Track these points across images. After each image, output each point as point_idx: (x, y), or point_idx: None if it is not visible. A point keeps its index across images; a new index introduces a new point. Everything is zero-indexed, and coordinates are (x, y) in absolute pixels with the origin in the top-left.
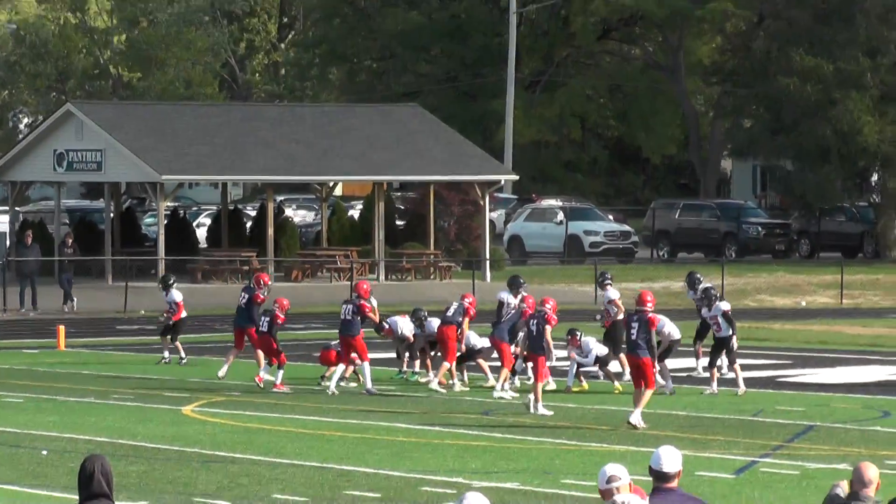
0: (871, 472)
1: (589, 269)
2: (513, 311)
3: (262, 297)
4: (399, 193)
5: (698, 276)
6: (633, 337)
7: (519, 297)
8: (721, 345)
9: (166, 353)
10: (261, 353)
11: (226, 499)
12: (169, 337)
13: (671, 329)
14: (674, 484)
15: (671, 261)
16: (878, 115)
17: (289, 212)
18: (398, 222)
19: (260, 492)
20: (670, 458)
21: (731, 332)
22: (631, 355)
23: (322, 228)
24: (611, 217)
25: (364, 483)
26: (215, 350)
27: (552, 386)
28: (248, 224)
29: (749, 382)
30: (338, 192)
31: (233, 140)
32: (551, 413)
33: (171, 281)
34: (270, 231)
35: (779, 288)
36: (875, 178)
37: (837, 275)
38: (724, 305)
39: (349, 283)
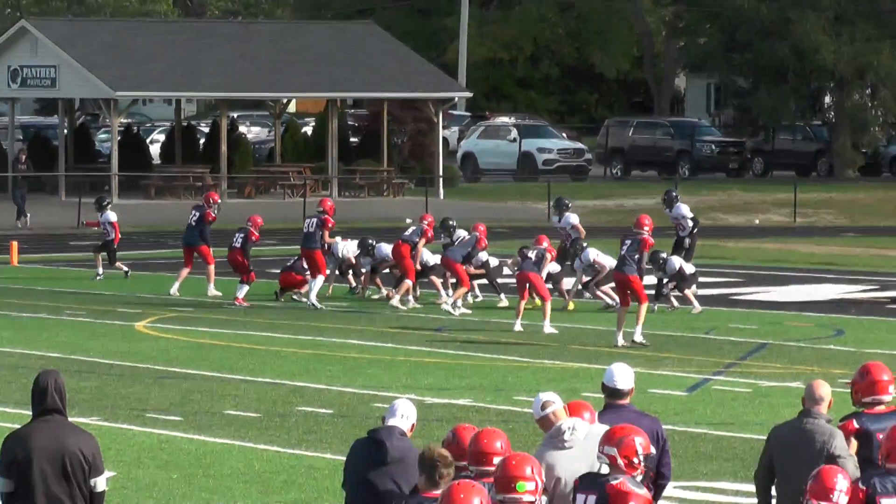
0: (823, 389)
1: (542, 186)
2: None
3: (212, 215)
4: (353, 110)
5: (675, 193)
6: (623, 253)
7: (562, 217)
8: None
9: (100, 270)
10: (212, 269)
11: (178, 414)
12: (102, 254)
13: (605, 259)
14: (626, 401)
15: (625, 179)
16: (833, 35)
17: (242, 128)
18: (352, 139)
19: (212, 407)
20: (623, 375)
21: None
22: (618, 273)
23: (276, 145)
24: (564, 135)
25: (316, 399)
26: (168, 266)
27: (504, 303)
28: (202, 141)
29: (702, 300)
30: (291, 108)
31: (187, 57)
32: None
33: (106, 202)
34: (224, 148)
35: (732, 206)
36: (829, 97)
37: (791, 193)
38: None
39: (302, 199)
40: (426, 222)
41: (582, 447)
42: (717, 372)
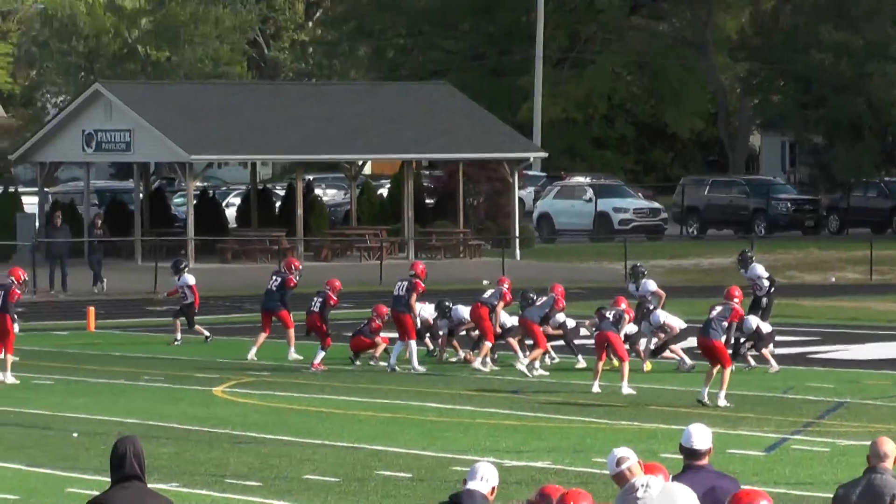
0: (888, 446)
1: (619, 246)
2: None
3: (294, 281)
4: (428, 172)
5: (750, 254)
6: (711, 317)
7: (640, 286)
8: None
9: (178, 335)
10: (292, 333)
11: (257, 479)
12: (181, 319)
13: (674, 321)
14: (705, 461)
15: (700, 237)
16: None
17: (318, 191)
18: (427, 201)
19: (291, 472)
20: (701, 436)
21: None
22: (703, 337)
23: (351, 207)
24: (640, 194)
25: (395, 463)
26: (245, 331)
27: (582, 364)
28: (278, 203)
29: (779, 359)
30: (367, 170)
31: (261, 119)
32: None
33: (183, 265)
34: (300, 210)
35: (808, 264)
36: None
37: (867, 250)
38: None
39: (379, 262)
40: (505, 286)
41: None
42: (796, 431)
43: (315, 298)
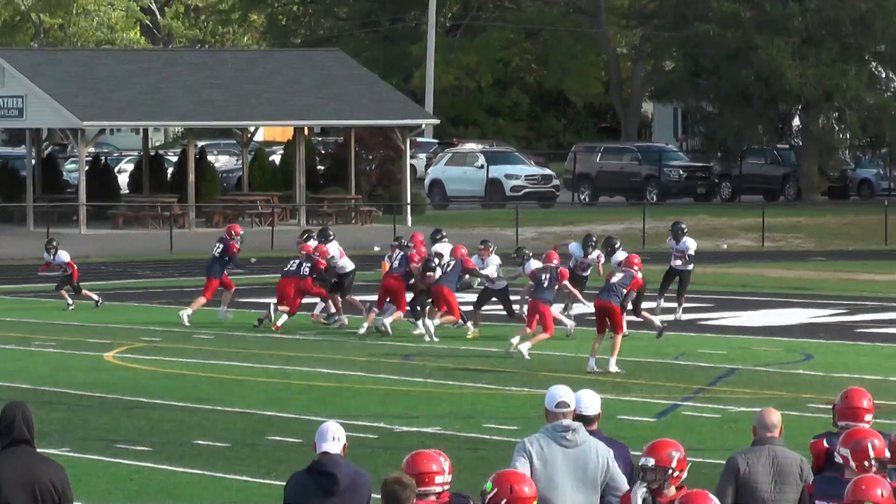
0: (776, 416)
1: (510, 213)
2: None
3: (236, 246)
4: (320, 138)
5: (683, 226)
6: (613, 283)
7: (592, 252)
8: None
9: (70, 301)
10: (229, 295)
11: (148, 445)
12: (66, 287)
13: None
14: (594, 427)
15: (592, 204)
16: (799, 58)
17: (210, 157)
18: (319, 167)
19: (182, 438)
20: (590, 402)
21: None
22: (603, 301)
23: (243, 174)
24: (532, 161)
25: (286, 428)
26: (136, 296)
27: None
28: (170, 170)
29: (670, 326)
30: (259, 137)
31: (154, 86)
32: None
33: (55, 244)
34: (192, 177)
35: (700, 231)
36: (796, 121)
37: (759, 218)
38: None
39: (270, 228)
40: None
41: (580, 450)
42: (686, 398)
43: (303, 264)
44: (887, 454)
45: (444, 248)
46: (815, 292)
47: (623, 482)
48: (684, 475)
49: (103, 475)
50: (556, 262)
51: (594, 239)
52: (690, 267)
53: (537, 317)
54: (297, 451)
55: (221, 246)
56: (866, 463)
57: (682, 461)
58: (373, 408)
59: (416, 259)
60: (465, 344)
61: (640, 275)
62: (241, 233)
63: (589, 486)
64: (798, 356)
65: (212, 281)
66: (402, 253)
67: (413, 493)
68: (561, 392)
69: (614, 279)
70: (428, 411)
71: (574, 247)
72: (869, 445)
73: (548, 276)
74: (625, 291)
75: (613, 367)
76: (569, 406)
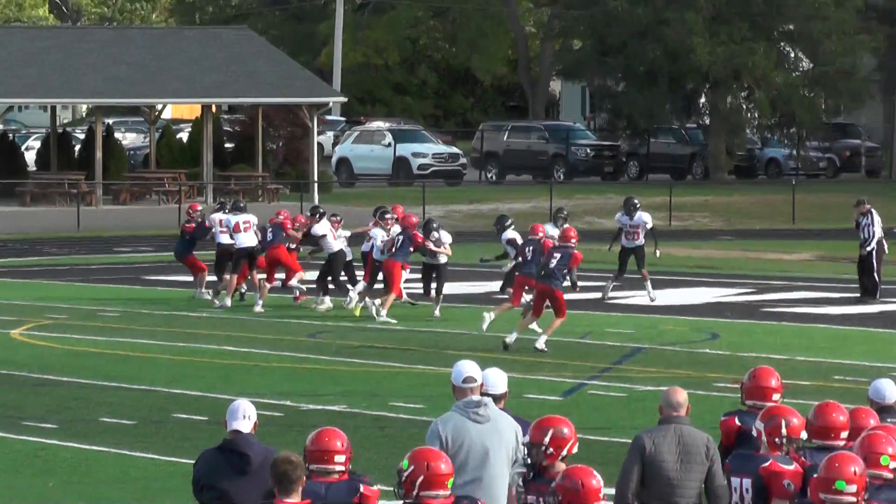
0: (682, 395)
1: (417, 191)
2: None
3: (192, 225)
4: (228, 116)
5: (636, 201)
6: (552, 266)
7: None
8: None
9: None
10: (203, 276)
11: (54, 422)
12: None
13: None
14: (501, 405)
15: (499, 183)
16: (708, 35)
17: (118, 135)
18: (227, 145)
19: (88, 415)
20: (496, 380)
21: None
22: (544, 284)
23: (151, 151)
24: (439, 139)
25: (192, 406)
26: (43, 273)
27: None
28: (77, 147)
29: (577, 304)
30: (167, 114)
31: (62, 63)
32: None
33: None
34: (99, 154)
35: (608, 210)
36: (704, 99)
37: (666, 196)
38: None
39: (177, 205)
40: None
41: (492, 425)
42: (593, 376)
43: (268, 230)
44: (803, 435)
45: (323, 226)
46: (722, 271)
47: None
48: (564, 452)
49: (9, 452)
50: (540, 234)
51: (565, 212)
52: (641, 242)
53: (525, 295)
54: (204, 428)
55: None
56: (777, 439)
57: (560, 438)
58: (279, 386)
59: (419, 239)
60: (371, 322)
61: (579, 251)
62: (198, 209)
63: (503, 460)
64: (704, 335)
65: (186, 260)
66: (402, 236)
67: (303, 471)
68: (467, 367)
69: (554, 262)
70: (334, 389)
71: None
72: (783, 422)
73: (531, 248)
74: (565, 272)
75: (542, 345)
76: (476, 381)
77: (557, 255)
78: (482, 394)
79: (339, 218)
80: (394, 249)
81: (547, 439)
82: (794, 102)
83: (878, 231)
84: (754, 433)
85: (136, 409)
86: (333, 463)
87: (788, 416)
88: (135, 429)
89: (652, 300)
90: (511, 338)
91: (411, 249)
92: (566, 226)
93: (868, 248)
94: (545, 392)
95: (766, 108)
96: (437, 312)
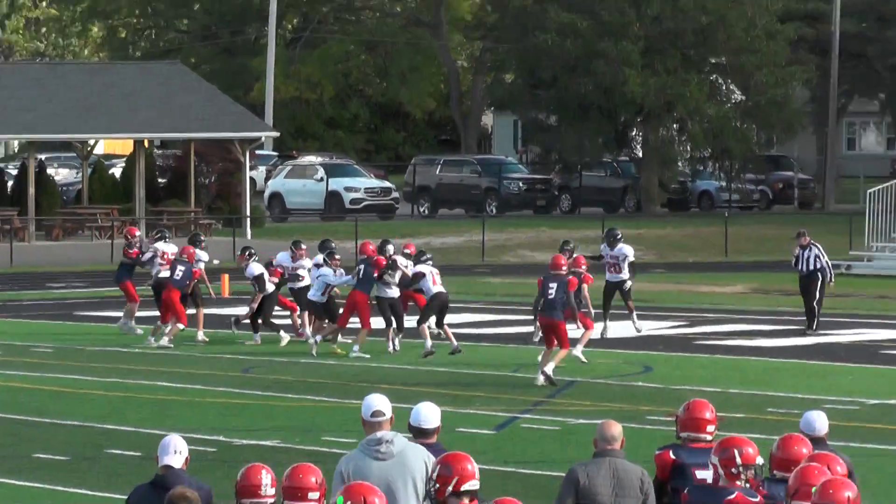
0: (616, 429)
1: (350, 225)
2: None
3: (131, 251)
4: (160, 151)
5: (619, 234)
6: (552, 298)
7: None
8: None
9: None
10: (134, 307)
11: None
12: None
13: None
14: (433, 440)
15: (432, 217)
16: (641, 67)
17: (50, 170)
18: (160, 180)
19: (21, 451)
20: (429, 415)
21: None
22: (547, 318)
23: (83, 186)
24: (371, 174)
25: (125, 441)
26: None
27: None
28: (10, 183)
29: (509, 338)
30: (99, 150)
31: None
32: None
33: None
34: (31, 189)
35: (540, 243)
36: (636, 132)
37: (598, 230)
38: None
39: (110, 241)
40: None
41: (397, 460)
42: (526, 410)
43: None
44: (759, 461)
45: (258, 266)
46: (655, 304)
47: None
48: (449, 488)
49: None
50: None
51: (571, 244)
52: (625, 276)
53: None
54: (137, 464)
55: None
56: (733, 470)
57: (443, 476)
58: (213, 421)
59: (382, 261)
60: (305, 357)
61: (571, 276)
62: (138, 234)
63: (410, 495)
64: (637, 368)
65: (123, 285)
66: (362, 265)
67: None
68: (376, 401)
69: (552, 293)
70: (267, 424)
71: None
72: (735, 452)
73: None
74: (564, 300)
75: (550, 371)
76: (384, 415)
77: (553, 285)
78: (414, 429)
79: (338, 257)
80: (355, 280)
81: (435, 475)
82: (727, 134)
83: (828, 261)
84: (709, 468)
85: (70, 444)
86: (265, 496)
87: (741, 445)
88: (68, 464)
89: (638, 331)
90: (543, 375)
91: (375, 275)
92: (557, 254)
93: (832, 282)
94: (478, 426)
95: (699, 141)
96: (396, 345)
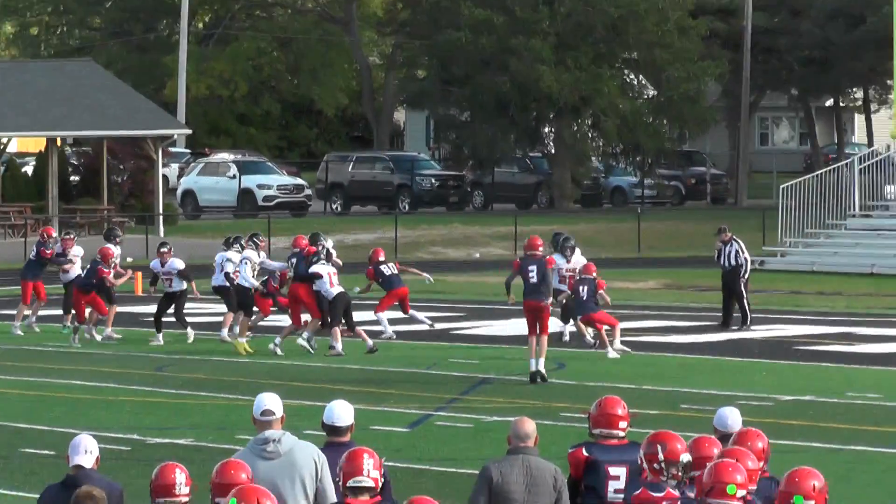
0: (530, 426)
1: (262, 222)
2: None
3: (47, 251)
4: (73, 149)
5: (571, 240)
6: (535, 281)
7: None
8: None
9: None
10: (37, 305)
11: None
12: None
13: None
14: (346, 438)
15: (345, 214)
16: (553, 64)
17: None
18: (72, 178)
19: None
20: (342, 413)
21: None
22: (534, 301)
23: None
24: (284, 171)
25: (39, 441)
26: None
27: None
28: None
29: (423, 335)
30: (12, 148)
31: None
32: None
33: None
34: None
35: (453, 240)
36: (548, 128)
37: (511, 226)
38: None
39: (23, 239)
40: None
41: (285, 459)
42: (440, 407)
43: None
44: (684, 458)
45: (178, 262)
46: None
47: (331, 492)
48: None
49: None
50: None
51: (572, 241)
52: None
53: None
54: (51, 463)
55: (35, 250)
56: (655, 465)
57: (346, 473)
58: (126, 420)
59: (312, 250)
60: (217, 355)
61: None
62: (54, 235)
63: (298, 493)
64: (552, 364)
65: (25, 284)
66: (294, 259)
67: None
68: (266, 400)
69: (532, 274)
70: (181, 422)
71: None
72: (659, 448)
73: (585, 287)
74: (547, 281)
75: (542, 368)
76: (274, 414)
77: (533, 267)
78: (327, 427)
79: (261, 238)
80: (289, 274)
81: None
82: (639, 130)
83: (748, 257)
84: (622, 465)
85: None
86: (179, 496)
87: (666, 441)
88: None
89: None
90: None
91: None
92: (532, 235)
93: (745, 277)
94: (392, 423)
95: (613, 136)
96: (314, 344)
